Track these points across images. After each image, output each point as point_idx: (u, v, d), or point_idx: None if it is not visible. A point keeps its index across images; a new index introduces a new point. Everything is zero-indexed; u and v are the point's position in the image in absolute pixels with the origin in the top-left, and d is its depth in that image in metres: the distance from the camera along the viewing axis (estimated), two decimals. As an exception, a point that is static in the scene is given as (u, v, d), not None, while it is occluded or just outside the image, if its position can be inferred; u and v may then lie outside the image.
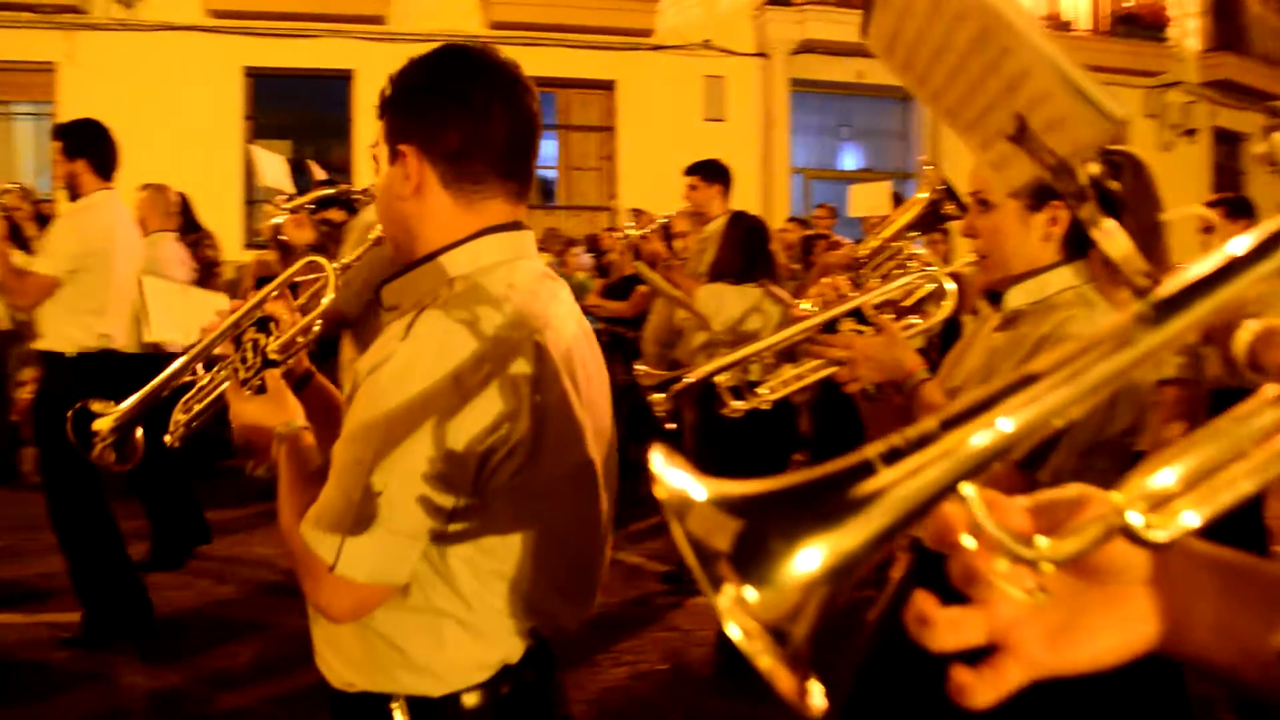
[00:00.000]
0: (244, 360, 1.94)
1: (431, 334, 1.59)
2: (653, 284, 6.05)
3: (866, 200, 7.07)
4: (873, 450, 0.64)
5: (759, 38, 15.39)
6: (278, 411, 1.85)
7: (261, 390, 1.89)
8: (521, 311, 1.65)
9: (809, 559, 0.61)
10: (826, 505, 0.62)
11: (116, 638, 5.02)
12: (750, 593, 0.60)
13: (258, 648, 5.08)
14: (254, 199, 14.61)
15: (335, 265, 2.01)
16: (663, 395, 2.69)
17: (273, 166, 5.95)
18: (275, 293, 1.98)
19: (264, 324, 1.95)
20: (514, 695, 1.72)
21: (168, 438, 2.06)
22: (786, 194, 15.44)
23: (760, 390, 2.59)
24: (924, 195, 3.20)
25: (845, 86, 15.65)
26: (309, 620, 1.81)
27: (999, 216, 2.27)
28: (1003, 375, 0.68)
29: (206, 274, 7.59)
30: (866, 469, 0.64)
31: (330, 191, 5.25)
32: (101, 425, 2.13)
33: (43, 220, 6.11)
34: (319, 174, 5.64)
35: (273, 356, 1.91)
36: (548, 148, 16.10)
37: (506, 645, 1.70)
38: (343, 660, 1.73)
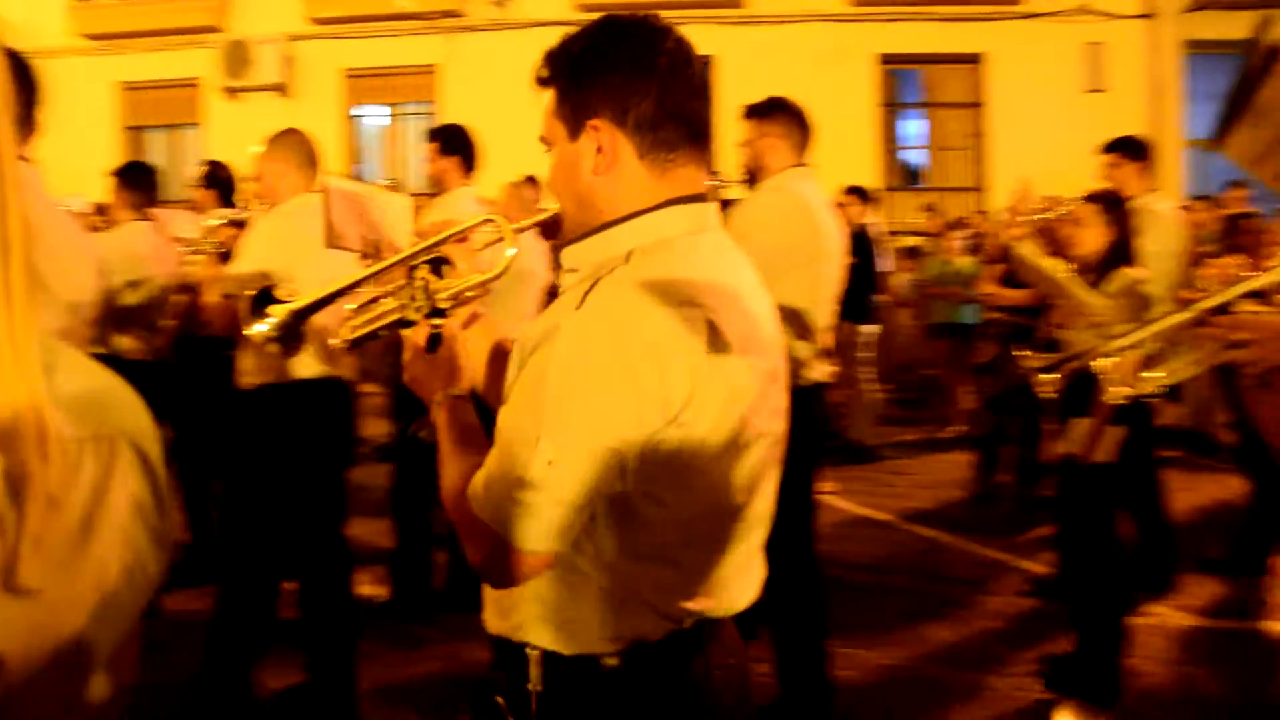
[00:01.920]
0: (412, 298, 2.00)
1: (606, 309, 1.61)
2: (1025, 263, 5.58)
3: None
4: None
5: (1146, -4, 14.17)
6: (446, 376, 1.90)
7: (435, 346, 1.93)
8: (699, 289, 1.64)
9: None
10: None
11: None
12: None
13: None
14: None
15: (514, 226, 2.02)
16: (1054, 375, 2.66)
17: None
18: (457, 238, 2.04)
19: (438, 265, 1.99)
20: (648, 672, 1.70)
21: (333, 341, 2.15)
22: (1179, 169, 14.11)
23: (1148, 375, 2.52)
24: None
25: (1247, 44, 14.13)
26: None
27: None
28: None
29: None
30: None
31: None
32: (277, 311, 2.21)
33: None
34: None
35: (441, 304, 1.96)
36: (915, 127, 15.55)
37: (642, 621, 1.69)
38: (492, 607, 1.81)
